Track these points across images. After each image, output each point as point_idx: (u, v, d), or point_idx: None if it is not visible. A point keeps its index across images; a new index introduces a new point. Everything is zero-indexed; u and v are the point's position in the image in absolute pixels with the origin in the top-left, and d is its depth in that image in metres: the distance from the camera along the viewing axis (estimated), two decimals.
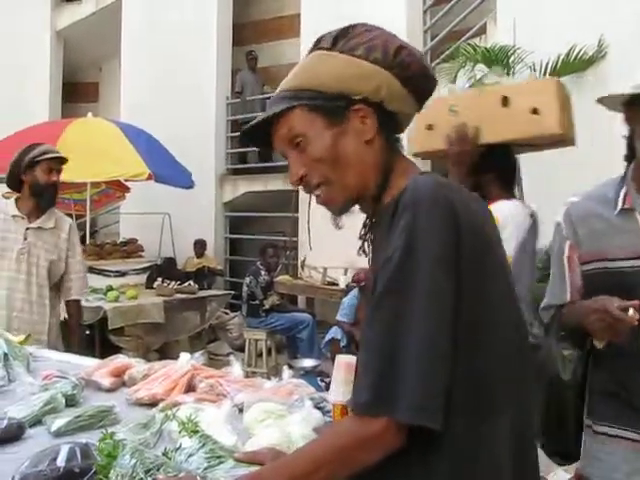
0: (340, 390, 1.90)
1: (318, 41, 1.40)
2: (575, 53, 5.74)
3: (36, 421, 2.08)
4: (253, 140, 1.46)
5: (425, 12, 8.31)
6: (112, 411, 2.14)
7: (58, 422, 2.01)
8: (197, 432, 1.71)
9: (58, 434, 1.98)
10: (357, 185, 1.34)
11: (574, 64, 5.75)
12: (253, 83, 11.12)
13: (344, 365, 1.93)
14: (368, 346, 1.19)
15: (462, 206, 1.20)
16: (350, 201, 1.36)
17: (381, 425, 1.13)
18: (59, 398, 2.21)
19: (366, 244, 1.44)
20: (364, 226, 1.42)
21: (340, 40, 1.35)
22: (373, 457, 1.16)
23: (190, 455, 1.58)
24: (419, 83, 1.38)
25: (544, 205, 6.16)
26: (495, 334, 1.22)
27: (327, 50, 1.36)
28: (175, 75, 11.04)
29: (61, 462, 1.57)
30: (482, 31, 7.18)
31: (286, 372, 2.51)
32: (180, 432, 1.78)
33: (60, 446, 1.63)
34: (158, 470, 1.42)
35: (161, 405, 2.21)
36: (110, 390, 2.52)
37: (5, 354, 2.61)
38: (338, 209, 1.38)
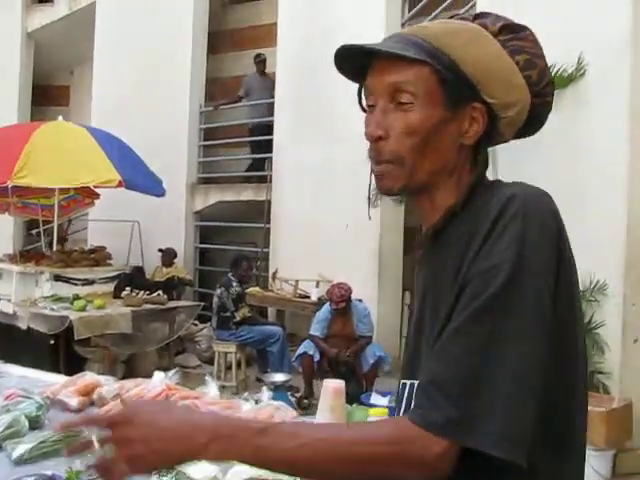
0: (327, 417, 1.79)
1: (480, 15, 1.26)
2: (555, 71, 5.73)
3: None
4: (343, 63, 1.23)
5: (403, 25, 8.27)
6: (80, 435, 2.00)
7: (20, 448, 1.87)
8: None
9: (20, 462, 1.84)
10: (424, 180, 1.20)
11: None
12: (260, 87, 10.63)
13: (331, 390, 1.82)
14: (452, 361, 1.03)
15: (563, 227, 1.11)
16: (407, 190, 1.22)
17: (441, 449, 1.00)
18: (22, 420, 2.07)
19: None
20: (426, 234, 1.26)
21: (506, 33, 1.22)
22: (411, 477, 1.04)
23: None
24: (535, 124, 1.29)
25: None
26: (580, 360, 1.14)
27: (492, 34, 1.21)
28: (148, 81, 10.89)
29: None
30: None
31: (265, 393, 2.39)
32: None
33: (22, 478, 1.50)
34: None
35: None
36: (78, 410, 2.39)
37: None
38: (391, 189, 1.21)
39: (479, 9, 6.78)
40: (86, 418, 1.11)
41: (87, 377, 2.61)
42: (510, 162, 6.08)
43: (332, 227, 8.50)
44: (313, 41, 8.71)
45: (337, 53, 1.20)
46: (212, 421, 1.05)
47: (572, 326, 1.12)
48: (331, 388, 1.81)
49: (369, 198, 1.27)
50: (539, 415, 1.04)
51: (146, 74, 10.92)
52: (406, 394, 1.19)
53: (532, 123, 1.27)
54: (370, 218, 1.35)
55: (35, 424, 2.12)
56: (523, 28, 1.23)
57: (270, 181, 9.68)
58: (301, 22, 9.25)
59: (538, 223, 1.07)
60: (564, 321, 1.09)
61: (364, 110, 1.24)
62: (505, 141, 1.27)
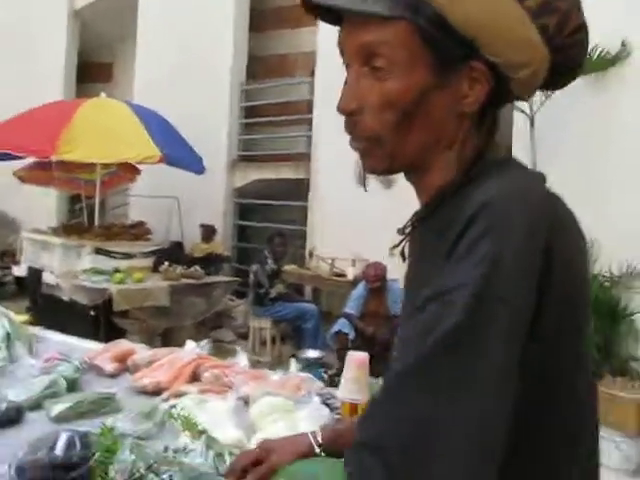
0: (349, 388, 1.84)
1: None
2: (597, 52, 5.68)
3: (35, 405, 2.04)
4: (316, 9, 1.00)
5: None
6: (114, 399, 2.09)
7: (58, 407, 1.97)
8: (202, 432, 1.65)
9: (58, 420, 1.94)
10: (413, 158, 0.98)
11: (595, 63, 5.69)
12: None
13: (355, 362, 1.87)
14: (391, 415, 0.81)
15: (561, 237, 0.87)
16: (393, 171, 1.01)
17: None
18: (60, 382, 2.16)
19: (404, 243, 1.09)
20: (412, 220, 1.05)
21: None
22: None
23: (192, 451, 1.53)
24: (563, 79, 1.03)
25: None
26: (582, 403, 0.95)
27: None
28: (190, 59, 10.95)
29: (60, 451, 1.51)
30: None
31: (293, 365, 2.45)
32: (183, 430, 1.72)
33: (59, 433, 1.58)
34: (159, 467, 1.36)
35: (165, 394, 2.16)
36: (113, 375, 2.48)
37: (8, 334, 2.56)
38: (374, 170, 1.01)
39: None
40: None
41: (122, 344, 2.71)
42: (548, 145, 6.04)
43: (369, 207, 8.51)
44: None
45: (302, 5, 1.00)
46: None
47: (569, 363, 0.90)
48: (355, 360, 1.86)
49: (360, 175, 1.09)
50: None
51: (188, 51, 10.98)
52: None
53: (558, 79, 1.02)
54: (366, 191, 1.21)
55: (72, 386, 2.21)
56: None
57: (309, 160, 9.71)
58: None
59: (517, 242, 0.82)
60: (554, 358, 0.88)
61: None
62: (525, 99, 1.04)
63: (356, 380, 1.82)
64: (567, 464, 0.93)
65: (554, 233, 0.85)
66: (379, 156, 0.98)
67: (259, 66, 11.83)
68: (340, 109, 0.97)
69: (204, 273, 8.65)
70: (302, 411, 1.90)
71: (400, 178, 1.08)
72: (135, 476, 1.32)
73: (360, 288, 7.15)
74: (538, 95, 5.90)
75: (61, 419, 1.93)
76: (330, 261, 8.63)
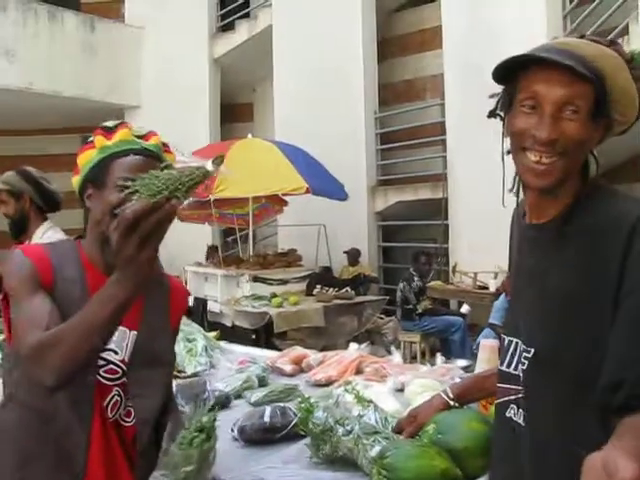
0: (483, 367, 2.26)
1: (613, 42, 1.42)
2: None
3: (237, 395, 2.60)
4: (500, 72, 1.43)
5: (565, 17, 8.38)
6: (297, 389, 2.62)
7: (256, 395, 2.53)
8: (370, 402, 2.13)
9: (256, 404, 2.48)
10: (566, 177, 1.39)
11: None
12: None
13: (488, 347, 2.30)
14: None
15: None
16: (557, 185, 1.40)
17: None
18: (253, 378, 2.72)
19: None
20: (547, 224, 1.46)
21: (630, 62, 1.40)
22: None
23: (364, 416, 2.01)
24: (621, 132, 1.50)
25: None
26: None
27: (626, 62, 1.39)
28: (324, 91, 11.51)
29: (267, 418, 2.05)
30: (625, 32, 7.19)
31: (439, 358, 2.90)
32: (356, 402, 2.20)
33: (265, 407, 2.12)
34: (343, 421, 1.85)
35: (336, 384, 2.66)
36: (291, 375, 3.01)
37: (205, 346, 3.16)
38: (549, 184, 1.39)
39: None
40: None
41: (297, 350, 3.25)
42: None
43: (508, 218, 8.70)
44: (477, 40, 8.95)
45: (499, 66, 1.40)
46: None
47: None
48: (488, 346, 2.29)
49: (517, 190, 1.52)
50: None
51: (322, 86, 11.55)
52: (511, 349, 1.51)
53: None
54: (504, 206, 1.64)
55: (262, 382, 2.76)
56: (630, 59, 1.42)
57: (446, 179, 10.04)
58: (464, 21, 9.51)
59: None
60: None
61: (495, 112, 1.53)
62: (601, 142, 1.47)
63: (488, 360, 2.24)
64: None
65: None
66: (560, 169, 1.38)
67: (389, 93, 12.30)
68: (546, 139, 1.36)
69: (354, 294, 9.17)
70: None
71: None
72: (326, 425, 1.82)
73: (502, 299, 7.40)
74: None
75: (258, 403, 2.48)
76: (473, 275, 8.91)
